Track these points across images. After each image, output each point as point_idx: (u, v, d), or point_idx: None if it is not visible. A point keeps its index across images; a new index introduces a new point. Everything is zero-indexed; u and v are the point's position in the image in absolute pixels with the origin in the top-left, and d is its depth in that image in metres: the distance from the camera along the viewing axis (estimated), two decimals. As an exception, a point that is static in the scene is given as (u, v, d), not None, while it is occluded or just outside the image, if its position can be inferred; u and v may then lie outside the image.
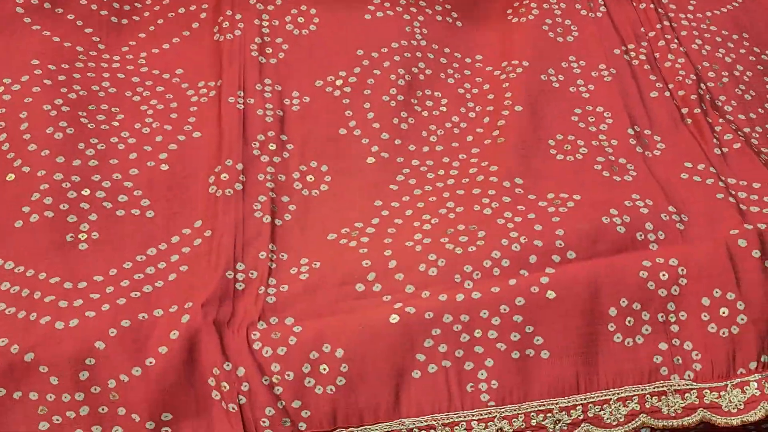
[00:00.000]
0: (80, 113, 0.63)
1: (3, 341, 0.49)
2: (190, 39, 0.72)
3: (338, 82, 0.68)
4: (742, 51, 0.73)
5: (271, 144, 0.62)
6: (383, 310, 0.51)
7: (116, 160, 0.60)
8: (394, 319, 0.50)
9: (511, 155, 0.62)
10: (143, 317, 0.51)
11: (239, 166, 0.60)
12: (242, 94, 0.66)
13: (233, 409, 0.48)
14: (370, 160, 0.63)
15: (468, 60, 0.72)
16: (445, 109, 0.68)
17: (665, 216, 0.57)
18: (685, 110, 0.67)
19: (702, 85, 0.69)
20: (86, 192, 0.58)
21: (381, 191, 0.60)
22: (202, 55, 0.70)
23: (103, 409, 0.48)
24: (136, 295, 0.52)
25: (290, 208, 0.59)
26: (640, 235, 0.56)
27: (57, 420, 0.48)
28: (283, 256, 0.56)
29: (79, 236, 0.56)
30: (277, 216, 0.58)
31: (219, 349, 0.49)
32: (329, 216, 0.59)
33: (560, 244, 0.54)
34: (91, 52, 0.69)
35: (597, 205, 0.57)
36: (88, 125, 0.63)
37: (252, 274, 0.54)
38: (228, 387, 0.48)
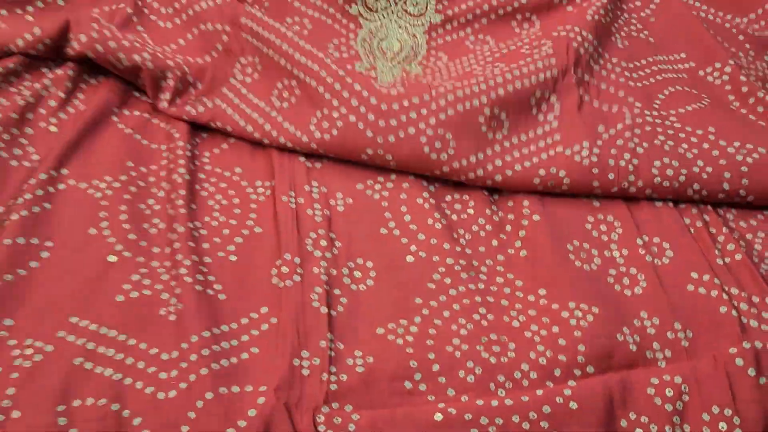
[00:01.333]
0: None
1: (115, 406, 0.53)
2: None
3: (377, 186, 0.74)
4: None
5: (322, 240, 0.67)
6: (428, 408, 0.56)
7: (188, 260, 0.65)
8: (438, 417, 0.55)
9: (534, 268, 0.68)
10: (224, 391, 0.54)
11: (297, 260, 0.65)
12: (293, 194, 0.71)
13: None
14: (409, 258, 0.68)
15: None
16: (472, 211, 0.73)
17: (671, 334, 0.63)
18: (687, 220, 0.73)
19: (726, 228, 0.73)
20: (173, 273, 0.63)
21: (420, 289, 0.65)
22: (256, 156, 0.77)
23: None
24: (215, 366, 0.56)
25: (342, 300, 0.64)
26: (650, 354, 0.62)
27: None
28: (339, 345, 0.60)
29: (169, 308, 0.60)
30: (332, 308, 0.63)
31: (291, 430, 0.53)
32: (377, 310, 0.63)
33: (581, 360, 0.60)
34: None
35: (611, 320, 0.63)
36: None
37: (315, 360, 0.58)
38: None
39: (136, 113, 0.78)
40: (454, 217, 0.73)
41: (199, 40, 0.82)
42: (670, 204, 0.74)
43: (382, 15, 0.91)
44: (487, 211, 0.73)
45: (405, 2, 0.90)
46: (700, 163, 0.74)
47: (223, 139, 0.78)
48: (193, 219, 0.68)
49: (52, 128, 0.73)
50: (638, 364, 0.61)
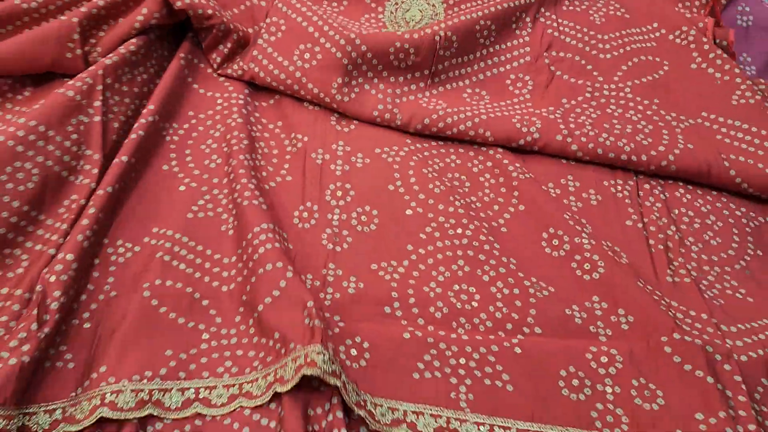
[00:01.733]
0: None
1: (189, 289, 0.71)
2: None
3: (392, 153, 0.87)
4: (719, 205, 0.86)
5: (339, 191, 0.82)
6: (400, 328, 0.69)
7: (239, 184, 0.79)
8: (406, 335, 0.68)
9: (511, 243, 0.79)
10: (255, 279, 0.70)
11: (315, 207, 0.80)
12: (321, 151, 0.86)
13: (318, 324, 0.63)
14: (408, 212, 0.81)
15: (491, 152, 0.89)
16: (467, 189, 0.85)
17: (614, 318, 0.72)
18: (652, 241, 0.81)
19: (673, 226, 0.82)
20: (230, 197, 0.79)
21: (413, 238, 0.78)
22: (297, 111, 0.91)
23: None
24: (259, 270, 0.70)
25: (348, 239, 0.77)
26: (593, 329, 0.71)
27: None
28: (339, 272, 0.74)
29: (228, 226, 0.77)
30: (338, 245, 0.77)
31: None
32: (374, 250, 0.77)
33: (531, 321, 0.72)
34: None
35: (565, 299, 0.74)
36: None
37: (316, 283, 0.72)
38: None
39: (202, 66, 0.94)
40: (450, 185, 0.84)
41: (246, 13, 0.96)
42: (640, 224, 0.82)
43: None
44: (479, 193, 0.85)
45: None
46: (642, 124, 0.88)
47: (269, 95, 0.93)
48: (244, 154, 0.82)
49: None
50: (581, 336, 0.71)
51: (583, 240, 0.78)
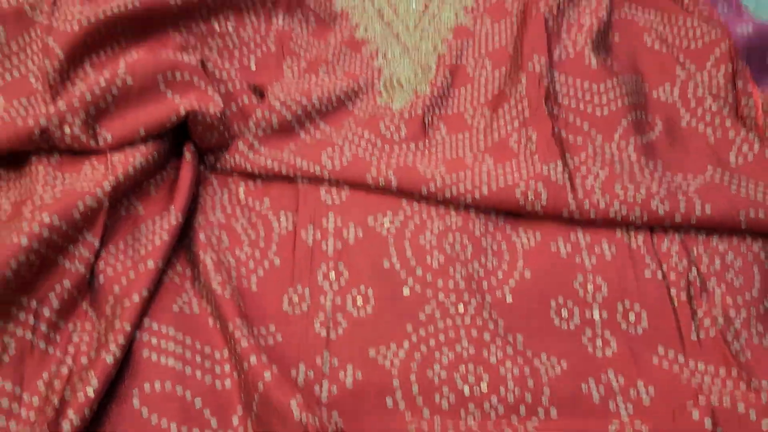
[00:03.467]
0: None
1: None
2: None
3: (386, 224, 0.83)
4: (735, 241, 0.81)
5: (332, 273, 0.77)
6: (403, 425, 0.64)
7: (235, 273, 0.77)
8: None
9: (517, 316, 0.75)
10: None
11: (306, 291, 0.75)
12: (312, 228, 0.82)
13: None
14: (406, 291, 0.76)
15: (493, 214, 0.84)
16: (468, 255, 0.80)
17: (633, 391, 0.68)
18: (674, 291, 0.76)
19: (694, 269, 0.78)
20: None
21: (412, 319, 0.73)
22: (284, 187, 0.87)
23: None
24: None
25: (342, 325, 0.73)
26: (612, 405, 0.67)
27: None
28: (334, 362, 0.69)
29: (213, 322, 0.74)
30: (332, 330, 0.72)
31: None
32: (371, 335, 0.72)
33: (545, 402, 0.67)
34: None
35: (579, 374, 0.70)
36: None
37: (310, 374, 0.68)
38: None
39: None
40: (453, 255, 0.80)
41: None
42: (659, 274, 0.78)
43: (400, 58, 1.04)
44: (482, 259, 0.80)
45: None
46: (654, 187, 0.81)
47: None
48: (225, 251, 0.79)
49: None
50: (601, 415, 0.67)
51: (594, 313, 0.74)
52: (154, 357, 0.67)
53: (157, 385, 0.66)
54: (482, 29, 1.06)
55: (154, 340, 0.69)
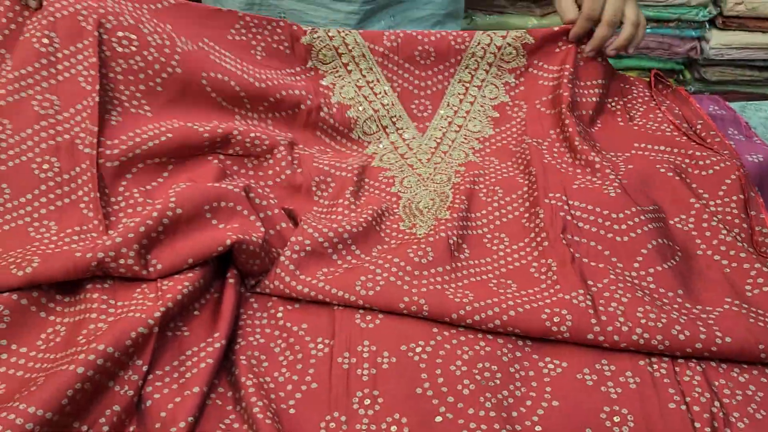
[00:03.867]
0: None
1: None
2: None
3: (418, 349, 0.86)
4: (755, 372, 0.83)
5: (367, 399, 0.80)
6: None
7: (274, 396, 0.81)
8: None
9: None
10: None
11: (343, 418, 0.78)
12: (347, 354, 0.85)
13: None
14: (438, 418, 0.78)
15: (520, 342, 0.87)
16: (498, 382, 0.82)
17: None
18: (698, 425, 0.77)
19: (717, 402, 0.79)
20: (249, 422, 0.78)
21: None
22: (321, 313, 0.91)
23: None
24: None
25: None
26: None
27: None
28: None
29: None
30: None
31: None
32: None
33: None
34: None
35: None
36: None
37: None
38: None
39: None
40: (483, 382, 0.82)
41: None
42: (683, 406, 0.78)
43: (417, 187, 1.12)
44: (511, 387, 0.82)
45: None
46: (674, 315, 0.85)
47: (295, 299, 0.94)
48: (264, 374, 0.83)
49: None
50: None
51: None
52: None
53: None
54: (490, 165, 1.16)
55: None
